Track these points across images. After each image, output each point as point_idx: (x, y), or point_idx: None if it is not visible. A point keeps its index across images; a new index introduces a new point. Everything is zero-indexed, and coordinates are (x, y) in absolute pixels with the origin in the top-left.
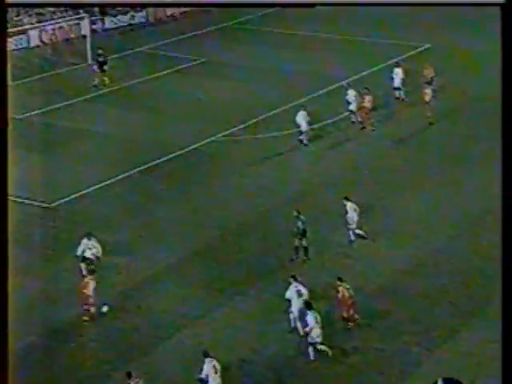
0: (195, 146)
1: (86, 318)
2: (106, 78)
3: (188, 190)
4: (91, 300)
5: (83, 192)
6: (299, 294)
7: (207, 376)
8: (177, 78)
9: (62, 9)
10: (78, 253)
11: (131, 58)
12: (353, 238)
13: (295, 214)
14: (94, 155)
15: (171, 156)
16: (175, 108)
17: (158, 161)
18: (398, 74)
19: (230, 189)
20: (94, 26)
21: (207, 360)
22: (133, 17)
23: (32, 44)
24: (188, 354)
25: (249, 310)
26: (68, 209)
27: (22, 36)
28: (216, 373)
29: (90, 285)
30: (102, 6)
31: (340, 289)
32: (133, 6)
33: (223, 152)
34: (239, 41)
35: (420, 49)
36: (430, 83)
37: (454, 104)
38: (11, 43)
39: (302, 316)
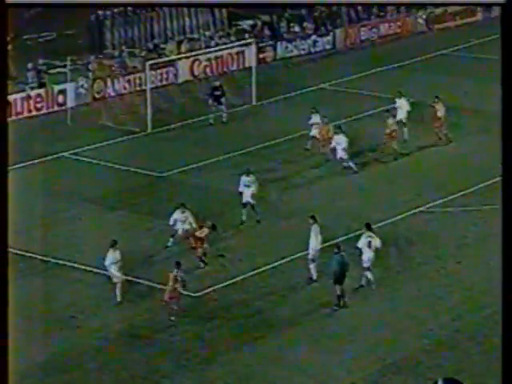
0: (393, 219)
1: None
2: (224, 115)
3: (385, 282)
4: None
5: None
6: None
7: None
8: (377, 125)
9: (221, 33)
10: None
11: (311, 97)
12: None
13: (335, 250)
14: (268, 231)
15: (359, 233)
16: (375, 171)
17: (332, 242)
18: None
19: (442, 280)
20: (262, 55)
21: None
22: (315, 42)
23: (180, 79)
24: None
25: None
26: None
27: (168, 69)
28: None
29: None
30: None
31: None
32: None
33: (432, 228)
34: (461, 74)
35: None
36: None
37: None
38: (154, 78)
39: None
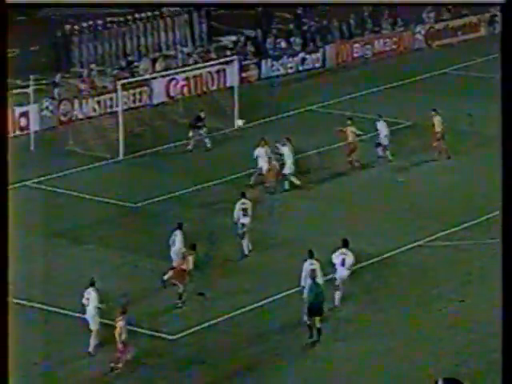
0: (392, 253)
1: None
2: (207, 141)
3: (381, 322)
4: None
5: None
6: None
7: None
8: (371, 150)
9: (199, 50)
10: None
11: (299, 119)
12: None
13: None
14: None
15: (357, 267)
16: (369, 200)
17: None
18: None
19: (443, 320)
20: (245, 74)
21: None
22: (303, 60)
23: (155, 100)
24: None
25: None
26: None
27: (141, 89)
28: None
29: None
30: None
31: None
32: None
33: (434, 263)
34: (463, 94)
35: None
36: None
37: None
38: (127, 99)
39: None
